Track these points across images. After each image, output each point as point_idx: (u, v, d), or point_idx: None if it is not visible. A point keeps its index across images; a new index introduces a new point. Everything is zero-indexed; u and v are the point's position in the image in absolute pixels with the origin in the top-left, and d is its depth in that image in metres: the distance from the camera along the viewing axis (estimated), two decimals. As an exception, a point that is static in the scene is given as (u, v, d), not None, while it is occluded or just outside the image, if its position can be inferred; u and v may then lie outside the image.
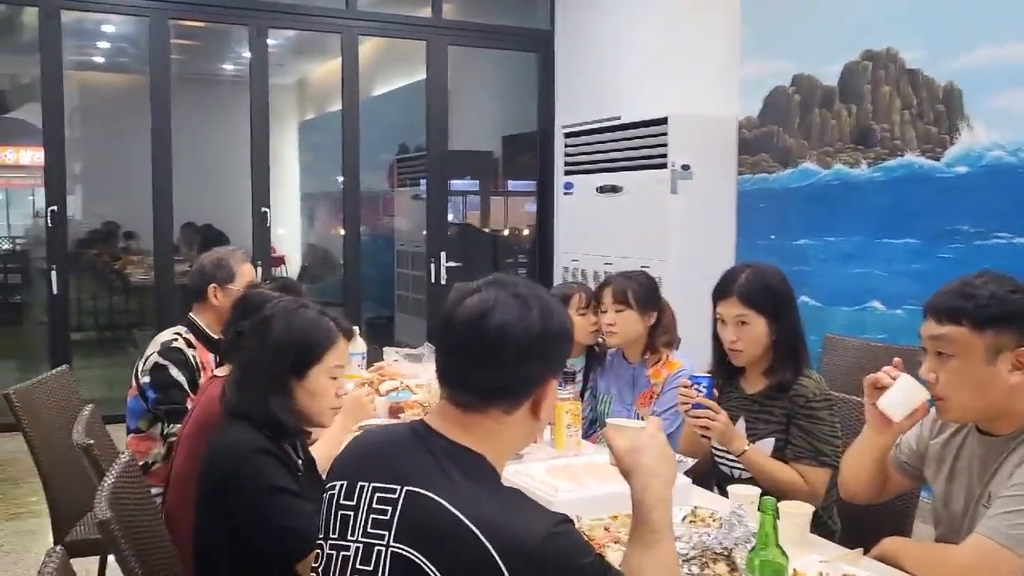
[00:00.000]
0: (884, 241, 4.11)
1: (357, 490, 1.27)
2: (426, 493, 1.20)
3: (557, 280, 5.92)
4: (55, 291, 5.39)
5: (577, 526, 1.49)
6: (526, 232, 7.34)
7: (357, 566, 1.23)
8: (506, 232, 7.73)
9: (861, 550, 1.75)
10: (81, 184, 7.99)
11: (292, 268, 8.89)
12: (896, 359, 1.80)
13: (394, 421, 2.80)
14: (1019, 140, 3.54)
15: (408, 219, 7.79)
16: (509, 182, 7.95)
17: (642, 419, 2.72)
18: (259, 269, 5.44)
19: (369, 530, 1.23)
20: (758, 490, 1.94)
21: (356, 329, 2.32)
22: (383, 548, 1.20)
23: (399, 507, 1.21)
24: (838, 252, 4.34)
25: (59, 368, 3.06)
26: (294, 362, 1.77)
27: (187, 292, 3.03)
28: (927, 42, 3.90)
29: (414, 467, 1.24)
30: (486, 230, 7.77)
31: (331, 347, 1.81)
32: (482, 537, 1.14)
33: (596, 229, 5.38)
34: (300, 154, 10.01)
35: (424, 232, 6.56)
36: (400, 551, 1.19)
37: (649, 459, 1.34)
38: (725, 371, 2.34)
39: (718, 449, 2.34)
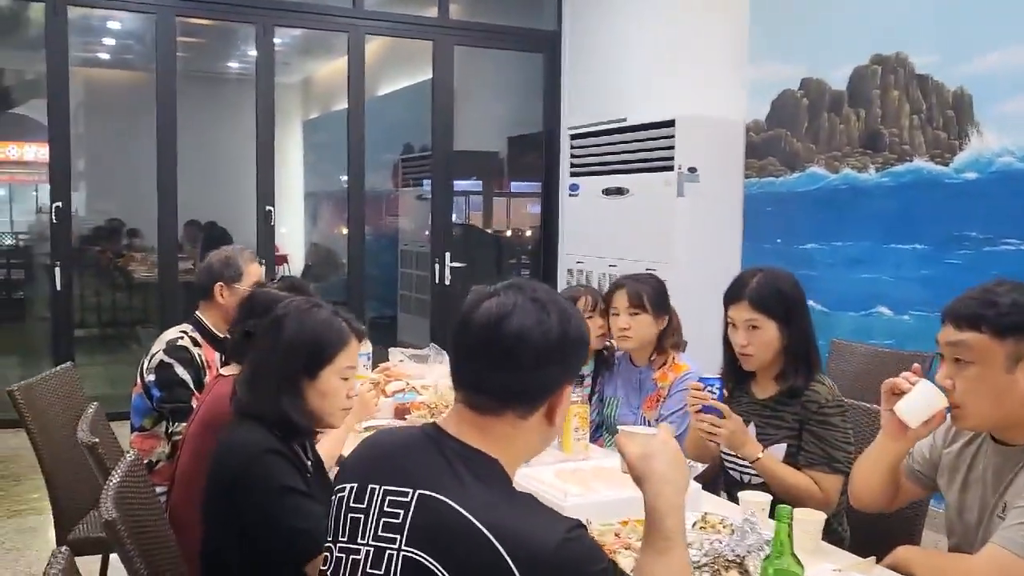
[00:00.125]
0: (892, 246, 4.09)
1: (368, 493, 1.25)
2: (438, 496, 1.18)
3: (561, 282, 5.90)
4: (58, 287, 5.38)
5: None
6: (529, 233, 7.33)
7: (368, 570, 1.21)
8: (509, 233, 7.72)
9: (874, 558, 1.74)
10: (85, 181, 7.98)
11: (295, 267, 8.88)
12: (915, 364, 1.78)
13: (400, 422, 2.79)
14: (1029, 146, 3.53)
15: (412, 219, 7.78)
16: (513, 183, 7.94)
17: (649, 423, 2.73)
18: (263, 268, 5.42)
19: (380, 533, 1.21)
20: (769, 497, 1.92)
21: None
22: (394, 552, 1.19)
23: (411, 510, 1.20)
24: (845, 257, 4.32)
25: (64, 365, 3.05)
26: (306, 362, 1.76)
27: (193, 290, 3.02)
28: (937, 47, 3.88)
29: (426, 470, 1.23)
30: (489, 231, 7.76)
31: (343, 348, 1.80)
32: (495, 542, 1.12)
33: (601, 231, 5.36)
34: (304, 153, 10.01)
35: (427, 232, 6.54)
36: (412, 555, 1.17)
37: (661, 466, 1.33)
38: (735, 375, 2.32)
39: (727, 453, 2.32)
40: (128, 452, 2.08)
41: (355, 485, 1.28)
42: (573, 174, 5.67)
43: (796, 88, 4.59)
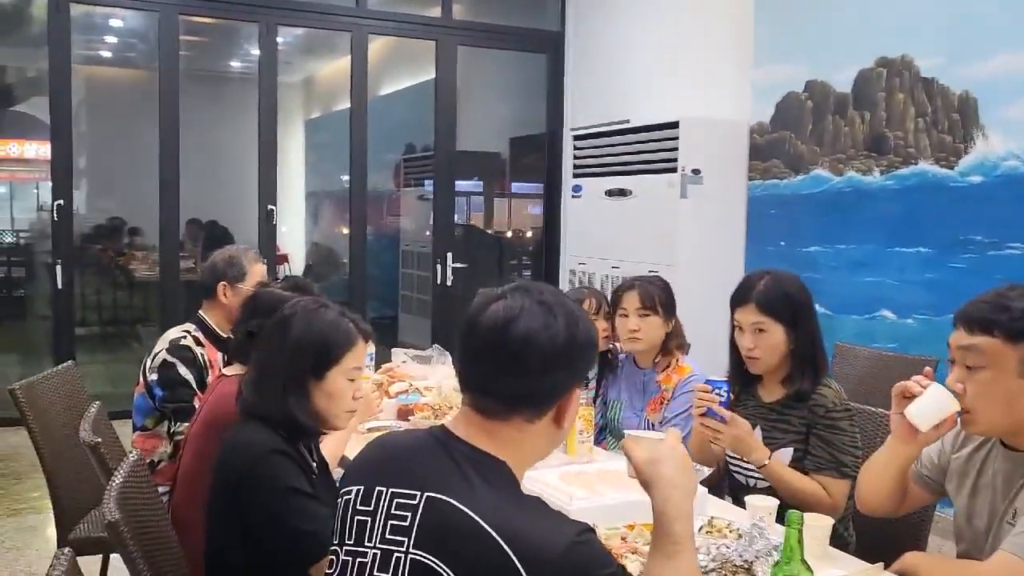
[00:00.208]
0: (896, 250, 4.08)
1: (375, 495, 1.24)
2: (447, 499, 1.17)
3: (563, 283, 5.89)
4: (60, 286, 5.37)
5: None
6: (530, 234, 7.31)
7: (375, 573, 1.20)
8: (510, 234, 7.71)
9: (881, 564, 1.73)
10: (87, 179, 7.97)
11: (296, 267, 8.87)
12: (927, 368, 1.76)
13: (403, 423, 2.78)
14: (1035, 150, 3.52)
15: (413, 219, 7.76)
16: (515, 184, 7.93)
17: (652, 426, 2.71)
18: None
19: (388, 536, 1.20)
20: (776, 501, 1.91)
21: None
22: (402, 554, 1.18)
23: (419, 513, 1.18)
24: (849, 260, 4.31)
25: (65, 364, 3.04)
26: (313, 363, 1.75)
27: (196, 289, 3.01)
28: (943, 50, 3.87)
29: (434, 472, 1.22)
30: (491, 232, 7.75)
31: (350, 349, 1.79)
32: (504, 544, 1.12)
33: (604, 232, 5.35)
34: (306, 152, 9.99)
35: (428, 233, 6.53)
36: (420, 558, 1.16)
37: (669, 470, 1.32)
38: (742, 379, 2.30)
39: (733, 457, 2.31)
40: (131, 452, 2.07)
41: (362, 487, 1.27)
42: (576, 175, 5.66)
43: (800, 90, 4.58)
